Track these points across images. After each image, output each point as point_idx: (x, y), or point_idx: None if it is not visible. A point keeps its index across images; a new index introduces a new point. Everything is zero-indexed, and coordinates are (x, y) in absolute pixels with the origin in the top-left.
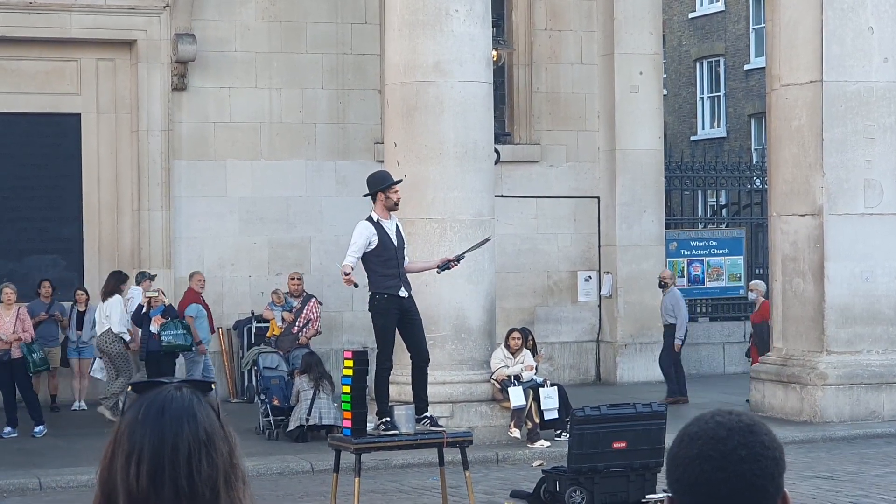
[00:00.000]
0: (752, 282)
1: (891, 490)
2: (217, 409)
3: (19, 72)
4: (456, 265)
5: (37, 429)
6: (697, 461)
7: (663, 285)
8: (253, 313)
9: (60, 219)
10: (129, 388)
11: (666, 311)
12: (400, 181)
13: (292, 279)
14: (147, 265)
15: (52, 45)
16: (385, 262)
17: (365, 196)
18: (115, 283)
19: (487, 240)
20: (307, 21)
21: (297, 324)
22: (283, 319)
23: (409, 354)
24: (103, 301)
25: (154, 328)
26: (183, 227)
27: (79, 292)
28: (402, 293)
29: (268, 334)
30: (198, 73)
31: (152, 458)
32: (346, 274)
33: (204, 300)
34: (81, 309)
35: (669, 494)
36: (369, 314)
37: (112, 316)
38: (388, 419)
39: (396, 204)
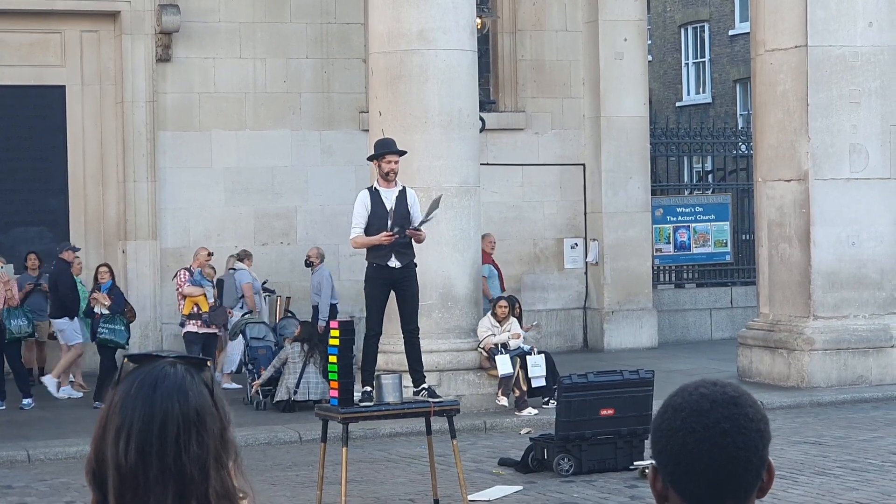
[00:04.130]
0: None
1: (878, 454)
2: (211, 387)
3: (3, 44)
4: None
5: (25, 401)
6: (680, 433)
7: (309, 264)
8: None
9: (46, 191)
10: (125, 359)
11: (314, 291)
12: (396, 151)
13: (209, 257)
14: (133, 236)
15: (35, 17)
16: (376, 231)
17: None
18: None
19: (439, 197)
20: None
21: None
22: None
23: (398, 325)
24: None
25: (98, 309)
26: (168, 198)
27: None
28: (392, 263)
29: (185, 311)
30: (182, 43)
31: (141, 434)
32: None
33: (495, 261)
34: None
35: (654, 463)
36: (355, 284)
37: None
38: (369, 389)
39: (388, 175)
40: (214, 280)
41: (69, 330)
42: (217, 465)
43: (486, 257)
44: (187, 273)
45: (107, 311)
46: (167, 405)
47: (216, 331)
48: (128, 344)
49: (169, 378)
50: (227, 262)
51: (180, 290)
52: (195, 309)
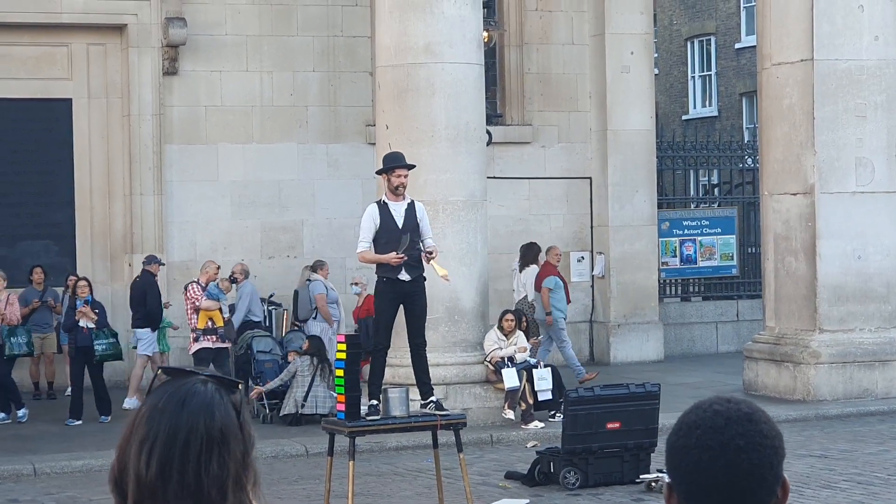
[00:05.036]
0: (356, 274)
1: (885, 468)
2: (239, 409)
3: (10, 57)
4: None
5: (20, 413)
6: (695, 450)
7: (234, 280)
8: None
9: (52, 204)
10: (159, 371)
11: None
12: (405, 165)
13: (217, 270)
14: (139, 250)
15: (42, 30)
16: (385, 245)
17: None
18: (532, 255)
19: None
20: (297, 3)
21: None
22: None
23: (405, 339)
24: (520, 271)
25: (84, 323)
26: (175, 211)
27: (71, 278)
28: (403, 276)
29: (200, 325)
30: (188, 56)
31: (164, 448)
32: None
33: (560, 273)
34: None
35: (668, 481)
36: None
37: (528, 285)
38: (375, 403)
39: (397, 189)
40: (228, 294)
41: (147, 340)
42: (236, 487)
43: (552, 269)
44: (199, 287)
45: (92, 326)
46: (193, 422)
47: (228, 345)
48: (123, 357)
49: (198, 396)
50: (301, 274)
51: (196, 303)
52: (209, 324)
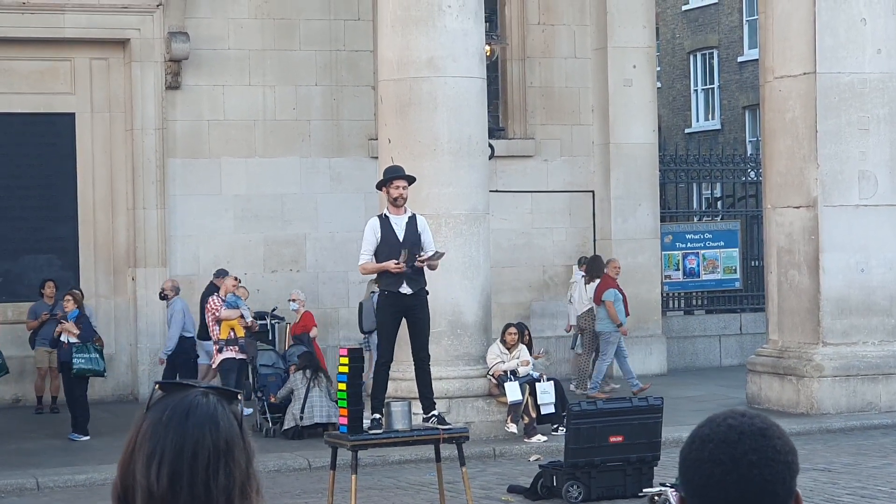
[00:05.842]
0: (294, 290)
1: (888, 481)
2: (239, 419)
3: (13, 72)
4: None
5: None
6: (708, 464)
7: (164, 297)
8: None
9: (55, 218)
10: (156, 386)
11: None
12: (404, 177)
13: (236, 281)
14: (143, 264)
15: (45, 45)
16: (386, 258)
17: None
18: (599, 268)
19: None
20: (300, 18)
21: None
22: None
23: (408, 352)
24: (586, 284)
25: (65, 338)
26: (178, 225)
27: (74, 291)
28: (404, 290)
29: (223, 335)
30: (191, 71)
31: (172, 462)
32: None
33: (619, 286)
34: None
35: (681, 494)
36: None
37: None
38: (378, 416)
39: (396, 200)
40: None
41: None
42: (242, 496)
43: (612, 282)
44: (219, 299)
45: (76, 340)
46: (198, 434)
47: (246, 357)
48: (105, 373)
49: (201, 407)
50: (367, 287)
51: (216, 314)
52: (231, 334)
